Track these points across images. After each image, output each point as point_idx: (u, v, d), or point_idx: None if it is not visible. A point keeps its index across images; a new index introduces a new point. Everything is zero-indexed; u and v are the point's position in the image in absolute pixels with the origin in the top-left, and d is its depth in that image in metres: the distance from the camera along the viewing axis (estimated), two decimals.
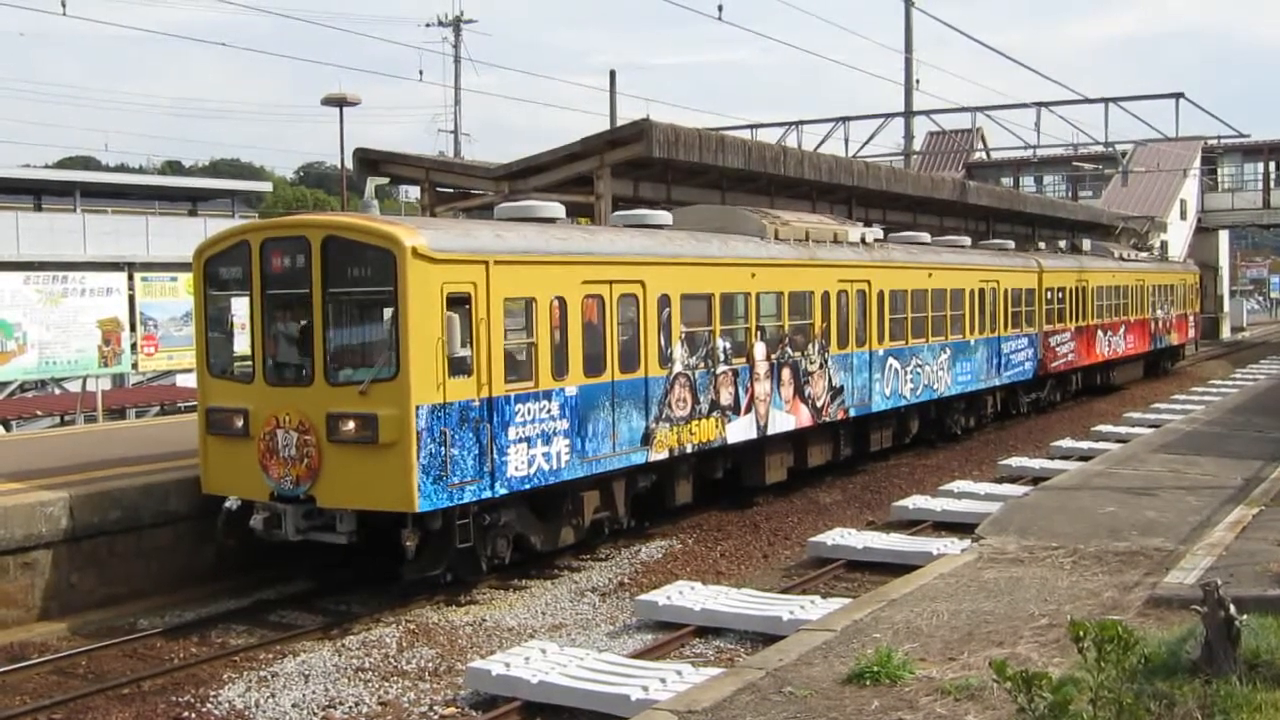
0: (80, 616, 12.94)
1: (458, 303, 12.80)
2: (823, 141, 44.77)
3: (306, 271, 12.91)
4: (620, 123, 30.31)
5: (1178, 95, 39.26)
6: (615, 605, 13.43)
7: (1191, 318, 45.90)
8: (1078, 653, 6.31)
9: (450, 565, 13.41)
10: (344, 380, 12.81)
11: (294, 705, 10.44)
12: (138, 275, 30.85)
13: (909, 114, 46.21)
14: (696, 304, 16.63)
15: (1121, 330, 35.88)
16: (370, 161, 24.14)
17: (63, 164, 77.93)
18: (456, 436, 12.62)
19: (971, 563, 11.87)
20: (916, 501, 17.95)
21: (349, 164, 25.39)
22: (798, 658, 8.86)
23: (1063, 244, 38.42)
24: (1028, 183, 66.02)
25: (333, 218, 13.79)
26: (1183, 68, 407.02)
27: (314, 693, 10.71)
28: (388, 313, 12.75)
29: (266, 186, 69.20)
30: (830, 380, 19.82)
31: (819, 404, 19.50)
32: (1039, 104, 40.82)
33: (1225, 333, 68.77)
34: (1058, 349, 30.55)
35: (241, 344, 14.25)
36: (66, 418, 28.67)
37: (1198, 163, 60.35)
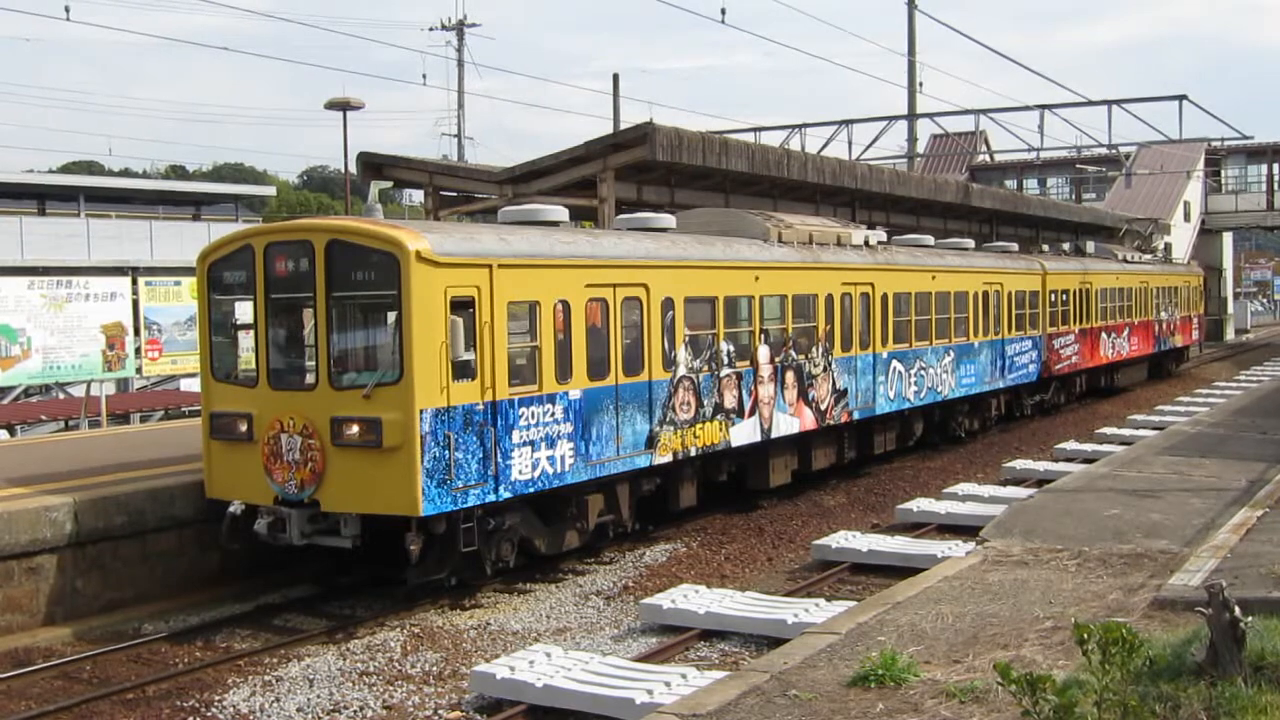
0: (85, 621, 12.94)
1: (462, 306, 12.80)
2: (826, 144, 44.63)
3: (310, 275, 12.92)
4: (624, 126, 30.36)
5: (1181, 97, 39.17)
6: (620, 609, 13.42)
7: (1195, 320, 45.87)
8: (1082, 655, 6.29)
9: (454, 569, 13.42)
10: (348, 384, 12.82)
11: (299, 709, 10.45)
12: (141, 280, 30.85)
13: (912, 117, 46.16)
14: (700, 307, 16.64)
15: (1125, 332, 35.85)
16: (374, 165, 24.17)
17: (67, 169, 77.94)
18: (460, 440, 12.62)
19: (976, 565, 11.85)
20: (921, 504, 17.94)
21: (352, 168, 25.41)
22: (802, 661, 8.85)
23: (1066, 246, 38.41)
24: (1031, 185, 66.11)
25: (336, 221, 13.81)
26: (1186, 71, 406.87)
27: (319, 697, 10.72)
28: (391, 316, 12.76)
29: (270, 191, 69.24)
30: (834, 383, 19.81)
31: (823, 407, 19.50)
32: (1042, 106, 40.72)
33: (1229, 335, 68.81)
34: (1062, 351, 30.53)
35: (245, 348, 14.25)
36: (70, 423, 28.68)
37: (1201, 165, 60.34)
